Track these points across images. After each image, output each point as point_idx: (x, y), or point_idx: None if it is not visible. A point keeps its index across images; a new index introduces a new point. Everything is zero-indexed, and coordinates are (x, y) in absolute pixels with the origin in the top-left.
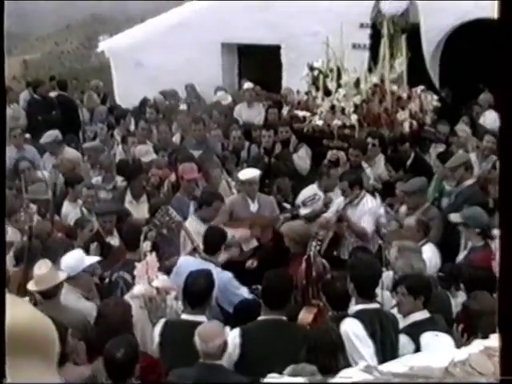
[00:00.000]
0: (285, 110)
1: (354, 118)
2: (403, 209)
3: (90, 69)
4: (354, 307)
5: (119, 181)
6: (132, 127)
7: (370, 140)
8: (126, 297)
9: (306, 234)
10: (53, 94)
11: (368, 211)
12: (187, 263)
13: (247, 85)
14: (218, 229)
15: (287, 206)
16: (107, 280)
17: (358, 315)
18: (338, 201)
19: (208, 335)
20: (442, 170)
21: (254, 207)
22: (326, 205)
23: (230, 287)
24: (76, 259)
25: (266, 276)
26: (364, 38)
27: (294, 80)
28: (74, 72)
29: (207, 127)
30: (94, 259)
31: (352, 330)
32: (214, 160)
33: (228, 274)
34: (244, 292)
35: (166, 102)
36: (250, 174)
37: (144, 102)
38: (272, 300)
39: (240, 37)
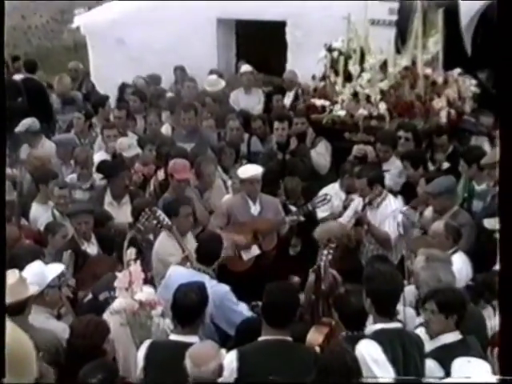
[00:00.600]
0: (288, 98)
1: (381, 106)
2: (428, 212)
3: (62, 47)
4: (371, 327)
5: (97, 179)
6: (112, 117)
7: (402, 133)
8: (105, 313)
9: (344, 236)
10: (18, 78)
11: (391, 214)
12: (177, 274)
13: (245, 67)
14: (213, 235)
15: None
16: (89, 296)
17: (376, 336)
18: (356, 202)
19: (201, 358)
20: (467, 168)
21: (255, 209)
22: (346, 207)
23: (227, 302)
24: (36, 274)
25: (266, 289)
26: (383, 12)
27: (300, 62)
28: (43, 51)
29: (199, 116)
30: (56, 270)
31: (369, 353)
32: (207, 155)
33: (225, 288)
34: (243, 309)
35: (150, 88)
36: (251, 171)
37: (123, 88)
38: (274, 317)
39: (238, 12)
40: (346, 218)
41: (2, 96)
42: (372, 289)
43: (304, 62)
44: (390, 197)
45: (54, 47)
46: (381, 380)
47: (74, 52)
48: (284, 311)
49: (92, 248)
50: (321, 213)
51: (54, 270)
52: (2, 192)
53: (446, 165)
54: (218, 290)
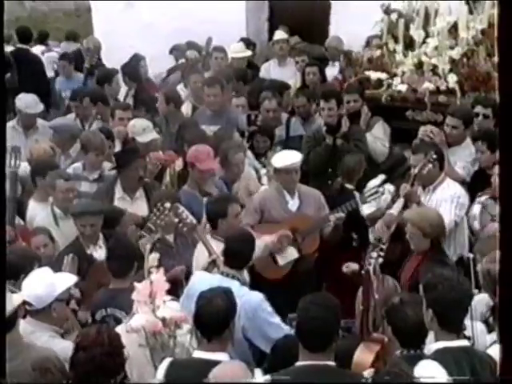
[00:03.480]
0: (332, 71)
1: (451, 79)
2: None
3: (61, 12)
4: (433, 345)
5: (106, 169)
6: (121, 94)
7: (479, 109)
8: (119, 329)
9: (439, 226)
10: (9, 49)
11: (449, 198)
12: (202, 281)
13: (279, 34)
14: (243, 233)
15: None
16: (89, 320)
17: (440, 356)
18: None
19: (225, 379)
20: None
21: (293, 204)
22: (395, 201)
23: (261, 313)
24: (46, 286)
25: (301, 305)
26: None
27: (347, 26)
28: (38, 17)
29: (226, 93)
30: (68, 282)
31: (431, 377)
32: (235, 139)
33: (259, 296)
34: (280, 322)
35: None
36: (288, 159)
37: (136, 60)
38: (311, 340)
39: None
40: (397, 208)
41: (2, 95)
42: (434, 298)
43: (351, 27)
44: (449, 180)
45: (52, 12)
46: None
47: (76, 17)
48: (323, 333)
49: (99, 252)
50: (366, 209)
51: (65, 280)
52: (2, 192)
53: None
54: (250, 298)
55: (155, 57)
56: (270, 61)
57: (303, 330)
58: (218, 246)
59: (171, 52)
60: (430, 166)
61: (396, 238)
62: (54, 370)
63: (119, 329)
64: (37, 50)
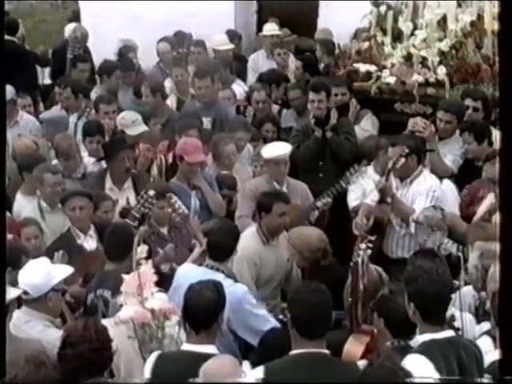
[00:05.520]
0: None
1: (440, 71)
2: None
3: (48, 3)
4: (418, 337)
5: (90, 164)
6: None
7: (469, 102)
8: (107, 321)
9: (319, 251)
10: None
11: (424, 192)
12: (187, 274)
13: (270, 27)
14: (226, 225)
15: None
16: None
17: (426, 350)
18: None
19: (217, 374)
20: None
21: None
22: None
23: (246, 306)
24: (43, 275)
25: (295, 293)
26: None
27: (336, 19)
28: (24, 7)
29: (216, 85)
30: (65, 272)
31: (419, 372)
32: (226, 131)
33: (243, 288)
34: (265, 313)
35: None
36: (277, 150)
37: (124, 52)
38: (308, 327)
39: None
40: (373, 197)
41: (2, 95)
42: (415, 291)
43: (340, 19)
44: (426, 173)
45: (39, 4)
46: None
47: (63, 9)
48: (323, 319)
49: (90, 242)
50: (352, 201)
51: (62, 271)
52: (2, 190)
53: None
54: (234, 290)
55: (143, 49)
56: (259, 52)
57: (303, 317)
58: None
59: (159, 43)
60: (403, 160)
61: (375, 231)
62: (47, 364)
63: (107, 321)
64: None
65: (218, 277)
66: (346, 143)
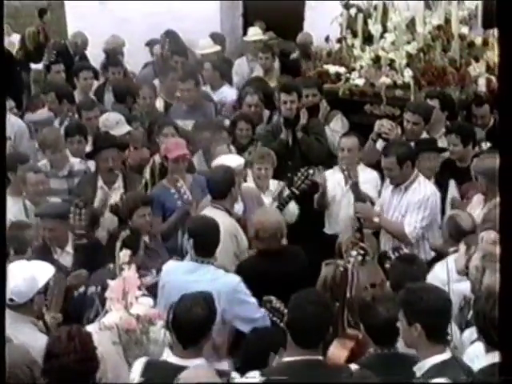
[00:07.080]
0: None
1: (408, 73)
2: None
3: (34, 7)
4: (425, 362)
5: (76, 163)
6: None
7: (433, 103)
8: (92, 327)
9: (275, 229)
10: None
11: (417, 203)
12: (176, 269)
13: (254, 32)
14: (208, 221)
15: None
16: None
17: (441, 372)
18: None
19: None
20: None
21: (239, 208)
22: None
23: (239, 295)
24: (27, 280)
25: (295, 303)
26: None
27: (319, 23)
28: (10, 10)
29: (200, 88)
30: (48, 273)
31: None
32: (212, 133)
33: (236, 278)
34: (255, 301)
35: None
36: (228, 163)
37: (112, 54)
38: (305, 337)
39: None
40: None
41: (2, 96)
42: (421, 310)
43: (326, 21)
44: (421, 179)
45: (24, 6)
46: None
47: (49, 13)
48: (318, 331)
49: (67, 259)
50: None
51: (45, 272)
52: (2, 190)
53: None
54: (227, 281)
55: (129, 53)
56: (243, 57)
57: (297, 327)
58: None
59: (148, 45)
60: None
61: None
62: (35, 370)
63: (91, 327)
64: None
65: (209, 268)
66: (316, 144)
